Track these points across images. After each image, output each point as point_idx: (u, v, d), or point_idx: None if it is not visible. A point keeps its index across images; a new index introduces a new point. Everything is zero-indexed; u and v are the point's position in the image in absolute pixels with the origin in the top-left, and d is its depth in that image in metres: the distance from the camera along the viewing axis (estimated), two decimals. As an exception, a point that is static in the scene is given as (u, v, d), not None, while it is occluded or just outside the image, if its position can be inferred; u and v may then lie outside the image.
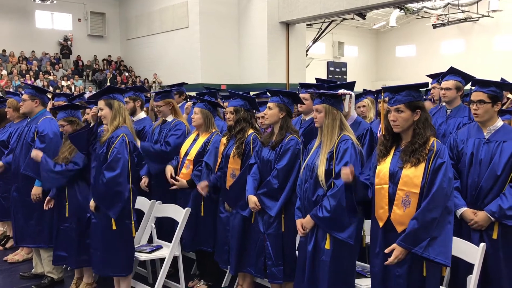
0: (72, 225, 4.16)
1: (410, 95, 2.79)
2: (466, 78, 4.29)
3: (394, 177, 2.81)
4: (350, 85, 4.08)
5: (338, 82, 4.50)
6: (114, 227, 3.75)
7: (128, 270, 3.93)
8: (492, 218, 3.14)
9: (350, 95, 3.58)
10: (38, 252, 4.71)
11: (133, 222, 3.83)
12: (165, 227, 4.57)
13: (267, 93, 5.13)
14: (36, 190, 4.42)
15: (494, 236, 3.18)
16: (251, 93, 5.82)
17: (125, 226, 3.82)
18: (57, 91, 15.40)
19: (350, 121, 3.83)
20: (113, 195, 3.72)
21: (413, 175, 2.74)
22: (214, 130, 4.40)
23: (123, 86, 18.89)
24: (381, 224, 2.86)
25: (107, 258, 3.84)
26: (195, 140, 4.43)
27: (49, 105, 5.30)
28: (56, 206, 4.29)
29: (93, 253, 3.94)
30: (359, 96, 5.03)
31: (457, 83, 4.24)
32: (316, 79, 4.73)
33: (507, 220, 3.09)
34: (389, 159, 2.87)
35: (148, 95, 6.56)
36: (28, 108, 4.65)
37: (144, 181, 4.71)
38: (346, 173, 2.94)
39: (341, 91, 3.52)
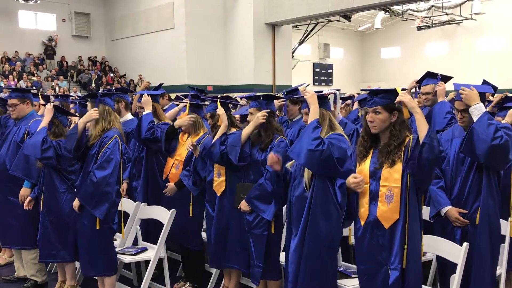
0: (46, 218, 4.13)
1: (388, 97, 2.83)
2: (444, 79, 4.39)
3: (375, 175, 2.86)
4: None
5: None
6: (97, 227, 3.73)
7: (112, 270, 3.91)
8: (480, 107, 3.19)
9: (335, 94, 3.60)
10: (20, 255, 4.64)
11: (122, 224, 3.84)
12: (150, 229, 4.55)
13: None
14: (25, 192, 4.36)
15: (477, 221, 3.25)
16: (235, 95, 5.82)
17: (108, 227, 3.80)
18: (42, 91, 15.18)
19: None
20: (101, 195, 3.70)
21: (392, 171, 2.80)
22: (204, 132, 4.39)
23: (108, 87, 18.76)
24: (362, 223, 2.91)
25: (91, 257, 3.83)
26: (184, 142, 4.42)
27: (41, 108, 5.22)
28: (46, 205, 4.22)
29: (80, 252, 3.95)
30: (342, 99, 5.11)
31: (435, 86, 4.32)
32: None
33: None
34: (368, 159, 2.92)
35: (133, 96, 6.52)
36: (22, 112, 4.55)
37: (123, 188, 4.69)
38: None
39: (326, 91, 3.55)
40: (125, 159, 3.85)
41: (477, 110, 3.18)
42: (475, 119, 3.18)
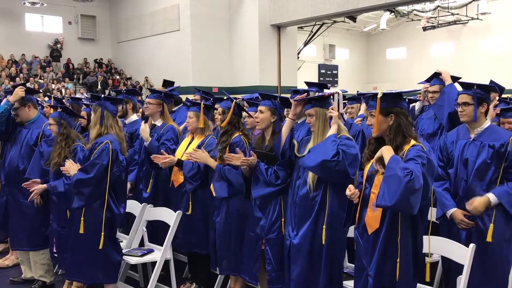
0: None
1: (385, 100, 2.79)
2: (452, 79, 4.41)
3: (370, 179, 2.84)
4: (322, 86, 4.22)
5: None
6: (81, 231, 3.73)
7: (111, 279, 3.90)
8: (493, 200, 3.23)
9: (338, 93, 3.60)
10: (27, 257, 4.65)
11: (102, 234, 3.72)
12: (158, 230, 4.56)
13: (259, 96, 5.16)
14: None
15: (489, 239, 3.25)
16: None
17: (96, 234, 3.74)
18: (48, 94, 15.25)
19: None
20: (75, 194, 3.72)
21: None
22: (209, 133, 4.39)
23: (114, 89, 18.83)
24: (356, 225, 2.93)
25: (75, 262, 3.84)
26: (190, 143, 4.43)
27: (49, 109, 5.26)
28: (56, 210, 4.25)
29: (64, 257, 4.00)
30: (352, 100, 5.11)
31: (442, 86, 4.38)
32: (306, 82, 4.77)
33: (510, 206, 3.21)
34: (370, 163, 2.89)
35: (140, 98, 6.58)
36: (26, 115, 4.58)
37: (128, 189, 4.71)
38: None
39: (329, 90, 3.56)
40: (117, 165, 3.79)
41: (493, 203, 3.26)
42: (493, 204, 3.26)
